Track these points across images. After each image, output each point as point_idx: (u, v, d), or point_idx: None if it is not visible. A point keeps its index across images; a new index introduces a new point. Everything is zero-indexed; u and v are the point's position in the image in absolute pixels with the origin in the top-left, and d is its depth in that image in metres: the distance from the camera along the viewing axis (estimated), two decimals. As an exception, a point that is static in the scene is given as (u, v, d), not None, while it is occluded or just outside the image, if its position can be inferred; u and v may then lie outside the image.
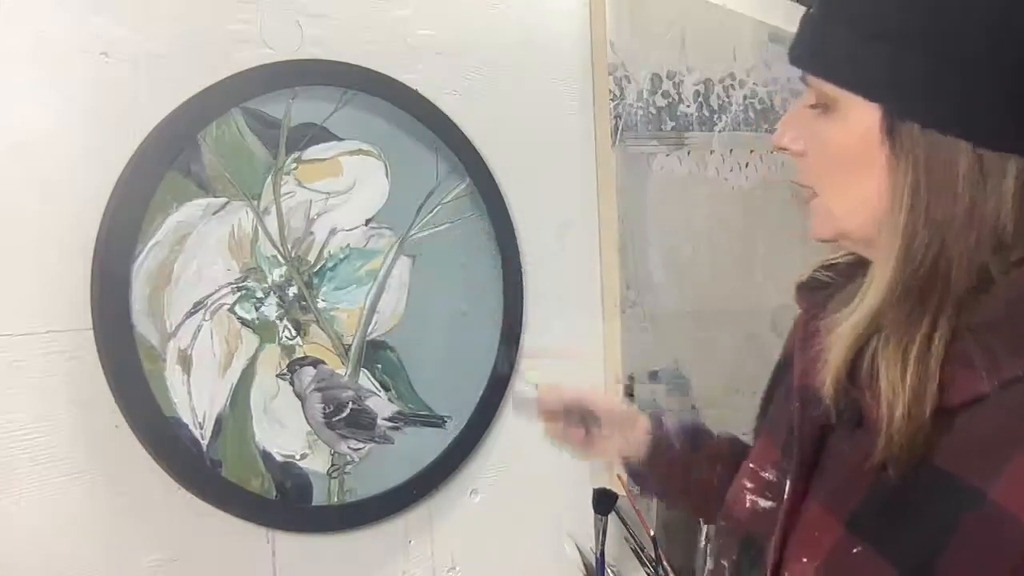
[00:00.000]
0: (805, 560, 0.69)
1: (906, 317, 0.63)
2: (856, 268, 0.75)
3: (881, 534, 0.64)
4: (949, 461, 0.61)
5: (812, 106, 0.69)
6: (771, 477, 0.78)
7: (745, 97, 1.64)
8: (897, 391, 0.62)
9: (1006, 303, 0.62)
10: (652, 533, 1.42)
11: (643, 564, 1.41)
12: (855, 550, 0.65)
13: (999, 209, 0.62)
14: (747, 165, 1.64)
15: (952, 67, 0.62)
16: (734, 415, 1.60)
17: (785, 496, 0.73)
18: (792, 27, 0.72)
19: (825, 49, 0.68)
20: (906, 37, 0.63)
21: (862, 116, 0.66)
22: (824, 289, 0.79)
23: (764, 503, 0.78)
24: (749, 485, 0.80)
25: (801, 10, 0.72)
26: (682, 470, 1.02)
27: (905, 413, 0.61)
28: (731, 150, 1.61)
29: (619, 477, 1.49)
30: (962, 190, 0.62)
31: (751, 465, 0.82)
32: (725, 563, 0.81)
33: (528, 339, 1.40)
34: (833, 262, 0.80)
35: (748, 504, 0.80)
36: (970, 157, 0.62)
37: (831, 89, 0.67)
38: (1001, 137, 0.62)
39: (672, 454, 1.03)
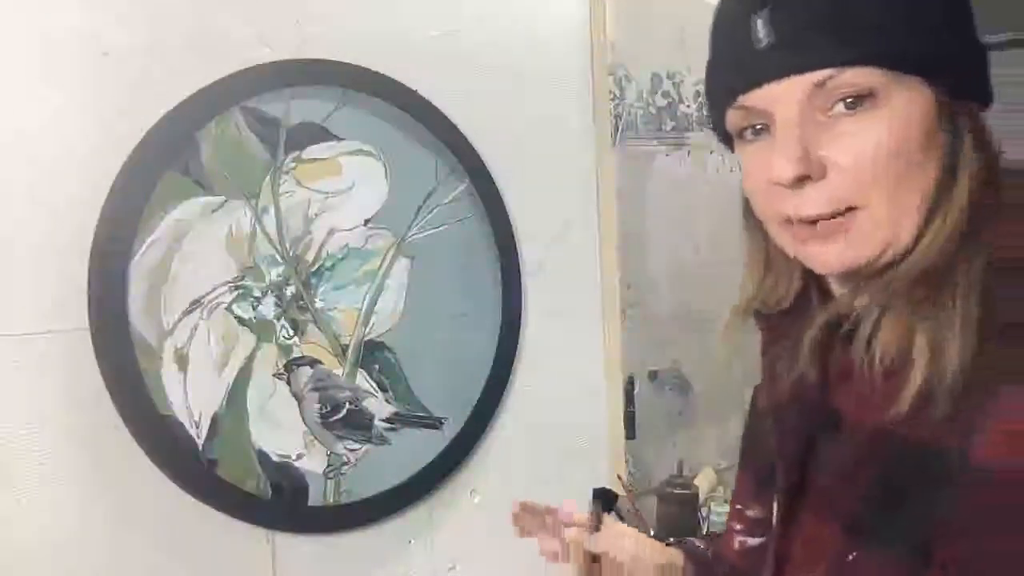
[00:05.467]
0: None
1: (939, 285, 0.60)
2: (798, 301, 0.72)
3: (881, 529, 0.62)
4: (933, 435, 0.59)
5: (847, 105, 0.60)
6: (756, 514, 0.77)
7: (745, 97, 1.63)
8: (945, 329, 0.58)
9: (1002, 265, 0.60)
10: (652, 533, 1.41)
11: (643, 565, 1.41)
12: (850, 557, 0.63)
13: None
14: (747, 165, 1.63)
15: (975, 42, 0.60)
16: (734, 415, 1.60)
17: (774, 522, 0.70)
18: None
19: (862, 33, 0.59)
20: (944, 8, 0.59)
21: (913, 100, 0.59)
22: (782, 315, 0.74)
23: (753, 541, 0.76)
24: (738, 527, 0.79)
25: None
26: None
27: (958, 343, 0.57)
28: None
29: (619, 477, 1.49)
30: (996, 165, 0.61)
31: (737, 506, 0.81)
32: None
33: (528, 340, 1.39)
34: (765, 313, 0.75)
35: (737, 545, 0.78)
36: (987, 127, 0.61)
37: (874, 78, 0.59)
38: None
39: None
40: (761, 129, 0.64)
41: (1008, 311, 0.58)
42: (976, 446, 0.56)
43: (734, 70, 0.64)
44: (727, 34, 0.65)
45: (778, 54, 0.60)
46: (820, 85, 0.59)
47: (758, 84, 0.62)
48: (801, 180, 0.60)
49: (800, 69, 0.60)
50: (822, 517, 0.67)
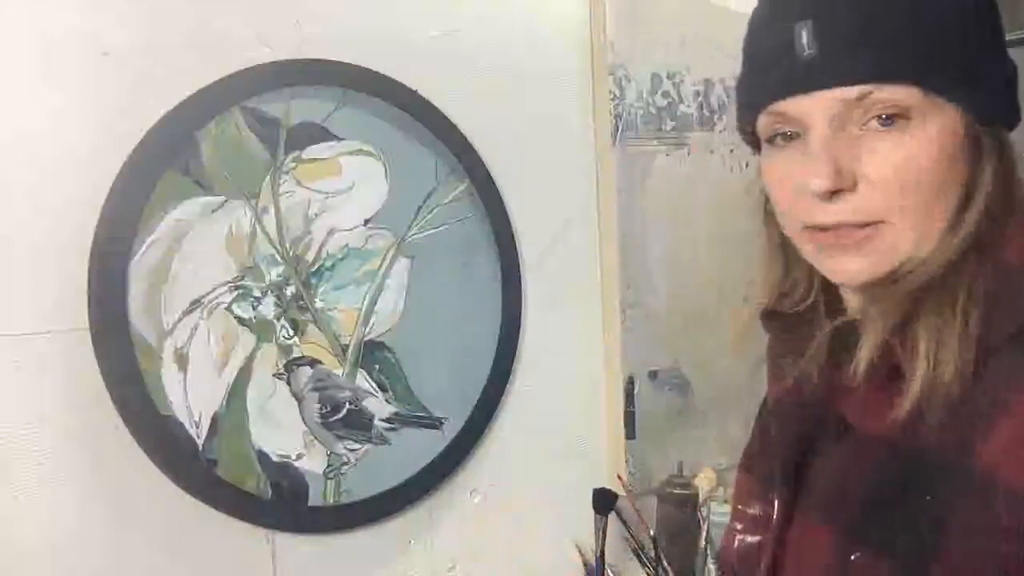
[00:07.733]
0: None
1: (947, 291, 0.61)
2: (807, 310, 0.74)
3: (879, 534, 0.62)
4: (935, 443, 0.60)
5: (881, 121, 0.62)
6: (757, 512, 0.77)
7: (745, 97, 1.63)
8: (945, 337, 0.59)
9: (1006, 272, 0.61)
10: (652, 533, 1.41)
11: (643, 564, 1.41)
12: (853, 556, 0.63)
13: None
14: (747, 165, 1.63)
15: (1007, 65, 0.62)
16: (734, 415, 1.60)
17: (773, 522, 0.72)
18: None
19: (903, 52, 0.60)
20: (980, 34, 0.61)
21: (945, 125, 0.61)
22: (787, 317, 0.76)
23: (751, 539, 0.77)
24: (739, 526, 0.80)
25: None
26: None
27: (956, 351, 0.58)
28: (731, 150, 1.60)
29: (619, 477, 1.49)
30: (1014, 185, 0.63)
31: (738, 506, 0.81)
32: None
33: (528, 340, 1.39)
34: (779, 311, 0.76)
35: (737, 544, 0.79)
36: (1010, 148, 0.62)
37: (911, 98, 0.60)
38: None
39: None
40: (792, 136, 0.65)
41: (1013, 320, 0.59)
42: (980, 456, 0.57)
43: (773, 76, 0.65)
44: (766, 39, 0.66)
45: (819, 66, 0.62)
46: (859, 99, 0.61)
47: (797, 93, 0.63)
48: (835, 193, 0.62)
49: (840, 83, 0.61)
50: (821, 519, 0.68)
